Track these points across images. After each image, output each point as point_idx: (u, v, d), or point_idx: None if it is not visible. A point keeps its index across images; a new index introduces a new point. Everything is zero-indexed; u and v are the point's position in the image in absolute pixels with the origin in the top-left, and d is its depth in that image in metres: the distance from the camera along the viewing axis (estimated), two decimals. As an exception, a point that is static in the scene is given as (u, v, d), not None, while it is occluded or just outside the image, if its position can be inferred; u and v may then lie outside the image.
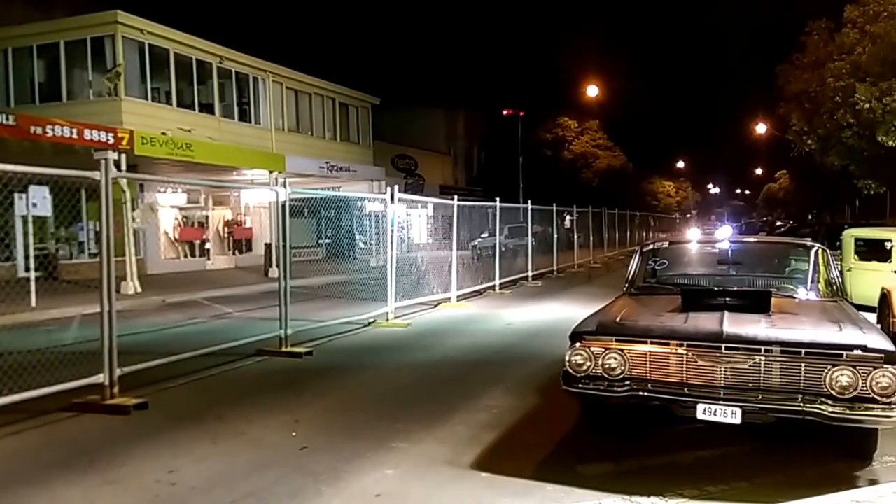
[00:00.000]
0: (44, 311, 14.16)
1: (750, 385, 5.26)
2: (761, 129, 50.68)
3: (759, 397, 5.21)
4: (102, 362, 7.50)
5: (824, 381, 5.05)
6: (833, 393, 5.02)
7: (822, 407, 5.01)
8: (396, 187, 14.90)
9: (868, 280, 12.68)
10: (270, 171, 25.15)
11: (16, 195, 14.12)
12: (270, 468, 5.68)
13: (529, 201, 23.90)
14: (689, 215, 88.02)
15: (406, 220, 22.35)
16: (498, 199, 20.31)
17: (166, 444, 6.36)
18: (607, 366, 5.64)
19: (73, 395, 7.39)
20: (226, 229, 29.43)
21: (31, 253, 15.54)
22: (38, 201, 14.55)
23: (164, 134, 21.78)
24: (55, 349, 9.84)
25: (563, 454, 6.09)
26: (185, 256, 27.12)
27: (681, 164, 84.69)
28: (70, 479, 5.50)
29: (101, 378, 7.47)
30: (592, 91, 43.77)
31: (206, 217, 28.48)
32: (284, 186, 10.86)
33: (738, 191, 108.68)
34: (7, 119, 16.74)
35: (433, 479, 5.46)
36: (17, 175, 7.43)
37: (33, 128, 16.99)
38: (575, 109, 55.24)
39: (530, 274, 22.77)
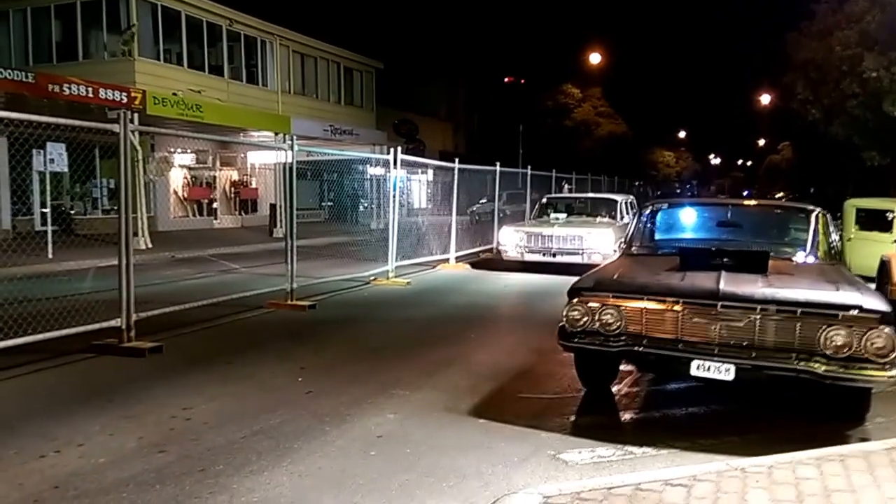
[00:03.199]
0: (60, 263, 14.62)
1: (744, 343, 5.29)
2: (765, 99, 50.65)
3: (754, 355, 5.25)
4: (120, 307, 7.84)
5: (819, 340, 5.06)
6: (827, 352, 5.04)
7: (816, 365, 5.05)
8: (399, 149, 15.20)
9: (868, 250, 12.39)
10: (276, 133, 25.52)
11: (34, 151, 14.50)
12: (278, 409, 5.95)
13: (529, 167, 24.23)
14: (688, 185, 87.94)
15: (406, 184, 22.66)
16: (498, 164, 20.66)
17: (180, 384, 6.72)
18: (604, 321, 5.68)
19: (92, 337, 7.78)
20: (232, 189, 29.81)
21: (49, 207, 15.95)
22: (54, 157, 14.85)
23: (175, 94, 22.21)
24: (72, 297, 10.09)
25: (557, 406, 6.23)
26: (193, 215, 27.56)
27: (682, 134, 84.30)
28: (90, 414, 5.81)
29: (118, 322, 7.84)
30: (595, 58, 43.84)
31: (214, 177, 28.88)
32: (292, 148, 11.18)
33: (740, 162, 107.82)
34: (27, 77, 17.21)
35: (433, 424, 5.68)
36: (38, 132, 7.74)
37: (51, 86, 17.44)
38: (578, 77, 55.16)
39: (528, 239, 23.05)
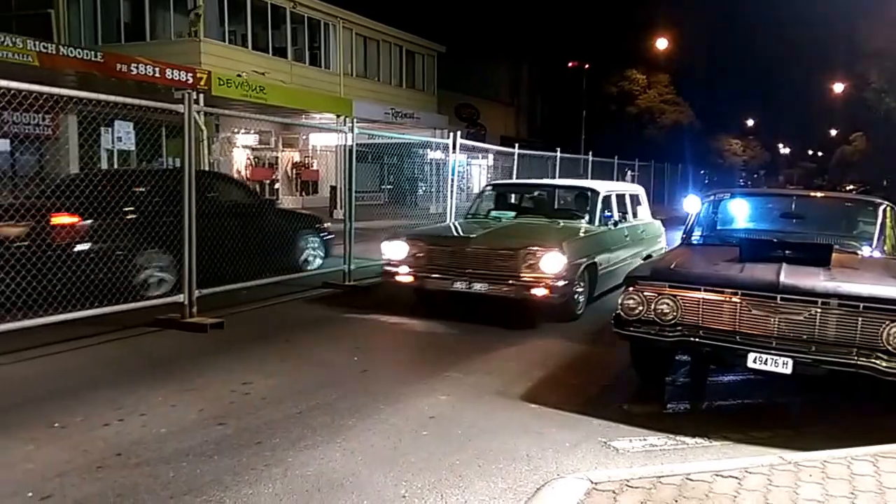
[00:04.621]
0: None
1: (804, 336, 5.20)
2: (838, 88, 49.15)
3: (813, 349, 5.16)
4: (182, 283, 8.13)
5: (881, 336, 4.97)
6: (889, 348, 4.95)
7: (877, 362, 4.96)
8: (459, 133, 15.20)
9: None
10: (338, 116, 25.71)
11: (102, 129, 14.91)
12: (334, 386, 6.09)
13: (590, 153, 24.06)
14: (755, 175, 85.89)
15: (466, 169, 22.52)
16: (558, 149, 20.49)
17: (240, 359, 6.92)
18: (659, 311, 5.65)
19: (156, 312, 8.08)
20: (294, 171, 30.23)
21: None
22: (122, 135, 15.21)
23: (239, 76, 22.58)
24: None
25: (610, 394, 6.23)
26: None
27: (750, 123, 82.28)
28: (152, 385, 6.04)
29: (181, 298, 8.11)
30: (662, 44, 43.08)
31: (276, 158, 29.28)
32: (352, 130, 11.25)
33: (810, 152, 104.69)
34: (96, 56, 17.71)
35: (484, 406, 5.74)
36: (106, 110, 7.93)
37: (119, 65, 17.94)
38: (643, 63, 54.21)
39: (587, 225, 22.83)
